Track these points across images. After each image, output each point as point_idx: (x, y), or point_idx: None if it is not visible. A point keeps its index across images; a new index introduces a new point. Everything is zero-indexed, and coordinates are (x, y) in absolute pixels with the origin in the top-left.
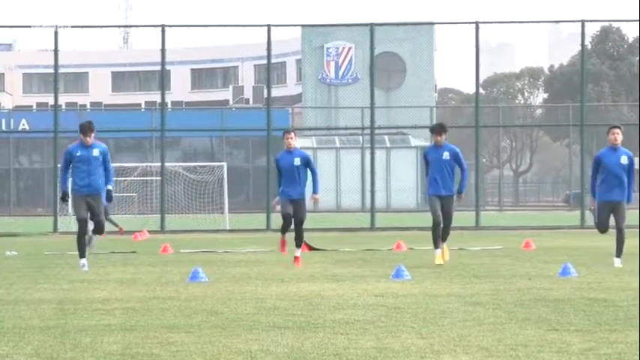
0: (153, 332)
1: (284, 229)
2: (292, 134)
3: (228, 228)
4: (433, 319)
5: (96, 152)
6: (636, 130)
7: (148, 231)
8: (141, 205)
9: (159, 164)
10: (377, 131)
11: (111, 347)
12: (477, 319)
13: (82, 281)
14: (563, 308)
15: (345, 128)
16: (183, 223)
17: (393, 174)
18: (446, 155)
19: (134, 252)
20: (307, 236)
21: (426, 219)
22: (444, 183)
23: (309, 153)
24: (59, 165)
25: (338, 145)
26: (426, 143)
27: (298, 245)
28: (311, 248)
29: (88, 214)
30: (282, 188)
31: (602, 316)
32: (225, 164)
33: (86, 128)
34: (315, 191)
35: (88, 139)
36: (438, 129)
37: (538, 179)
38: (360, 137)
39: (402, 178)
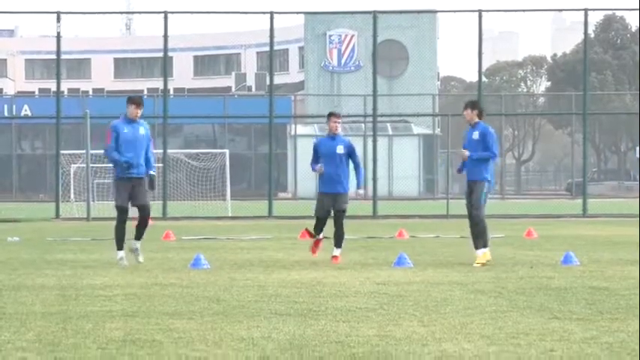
0: (155, 318)
1: (317, 229)
2: (339, 117)
3: (230, 215)
4: (435, 306)
5: (142, 130)
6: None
7: (150, 218)
8: None
9: (161, 151)
10: (379, 119)
11: (113, 333)
12: (479, 307)
13: (84, 267)
14: (565, 297)
15: (348, 116)
16: (185, 210)
17: (395, 162)
18: (475, 135)
19: None
20: (309, 223)
21: (428, 207)
22: (471, 166)
23: (312, 140)
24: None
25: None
26: (429, 131)
27: (338, 245)
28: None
29: (129, 203)
30: (321, 179)
31: (604, 304)
32: (227, 151)
33: (137, 100)
34: (358, 185)
35: (138, 111)
36: (467, 104)
37: (540, 168)
38: (363, 125)
39: (404, 165)
